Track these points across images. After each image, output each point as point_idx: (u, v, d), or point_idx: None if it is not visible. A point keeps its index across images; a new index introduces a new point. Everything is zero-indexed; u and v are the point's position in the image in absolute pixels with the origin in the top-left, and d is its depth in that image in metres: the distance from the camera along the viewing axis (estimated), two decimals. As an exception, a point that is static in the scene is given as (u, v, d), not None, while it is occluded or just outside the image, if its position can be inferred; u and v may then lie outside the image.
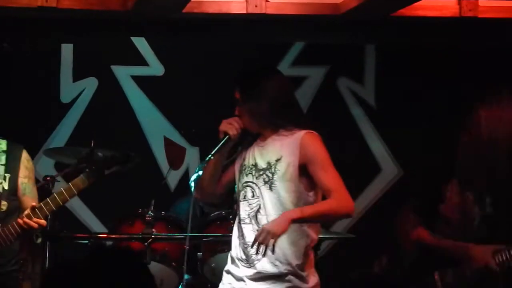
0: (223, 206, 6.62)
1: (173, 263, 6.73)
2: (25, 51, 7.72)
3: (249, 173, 5.27)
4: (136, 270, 2.75)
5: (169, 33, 7.17)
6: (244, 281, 5.22)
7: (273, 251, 4.98)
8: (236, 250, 5.30)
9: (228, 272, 5.33)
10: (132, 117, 8.29)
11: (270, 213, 5.15)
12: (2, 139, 5.50)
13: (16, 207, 5.35)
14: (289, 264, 5.12)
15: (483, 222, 5.52)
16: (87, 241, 7.06)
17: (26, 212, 5.20)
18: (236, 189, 5.39)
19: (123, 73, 8.36)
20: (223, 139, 5.23)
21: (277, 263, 5.12)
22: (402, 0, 6.36)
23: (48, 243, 6.31)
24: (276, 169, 5.19)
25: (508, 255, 5.27)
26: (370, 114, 8.54)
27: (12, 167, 5.44)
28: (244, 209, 5.26)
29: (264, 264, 5.14)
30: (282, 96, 5.27)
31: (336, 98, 8.45)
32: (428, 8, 6.59)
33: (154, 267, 6.53)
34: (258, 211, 5.22)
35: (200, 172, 5.35)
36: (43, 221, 5.21)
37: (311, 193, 5.20)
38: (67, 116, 8.18)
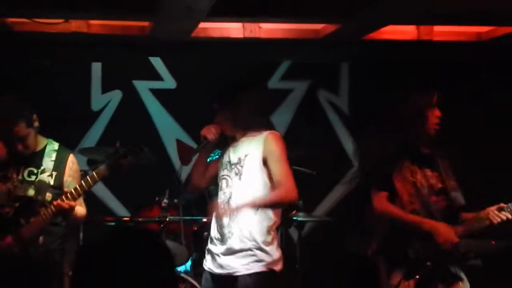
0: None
1: (183, 241, 6.71)
2: (62, 68, 7.69)
3: (225, 168, 5.39)
4: (156, 244, 2.74)
5: (180, 53, 7.17)
6: (219, 256, 5.28)
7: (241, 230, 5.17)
8: (214, 231, 5.39)
9: (209, 250, 5.41)
10: (150, 123, 8.28)
11: (239, 199, 5.21)
12: (56, 142, 5.51)
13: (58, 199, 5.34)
14: (255, 240, 5.18)
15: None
16: (113, 223, 7.07)
17: (61, 197, 5.23)
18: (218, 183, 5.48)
19: (143, 87, 8.34)
20: (203, 142, 5.39)
21: (244, 239, 5.18)
22: (371, 26, 6.35)
23: (81, 225, 6.30)
24: (244, 163, 5.28)
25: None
26: (344, 119, 8.52)
27: (58, 166, 5.44)
28: (220, 197, 5.37)
29: (234, 241, 5.22)
30: (251, 106, 5.33)
31: (317, 106, 8.43)
32: (392, 32, 6.58)
33: (168, 244, 6.51)
34: (230, 198, 5.30)
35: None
36: (73, 203, 5.23)
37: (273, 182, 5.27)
38: (97, 122, 8.16)
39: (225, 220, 5.28)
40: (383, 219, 5.54)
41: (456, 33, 6.75)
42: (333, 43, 6.72)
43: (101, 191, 8.08)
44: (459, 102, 6.57)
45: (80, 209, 5.47)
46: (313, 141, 7.58)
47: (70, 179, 5.45)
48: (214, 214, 5.45)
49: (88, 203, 6.29)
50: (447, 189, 5.50)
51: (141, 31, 6.39)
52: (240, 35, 6.52)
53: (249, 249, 5.20)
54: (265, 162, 5.25)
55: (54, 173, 5.42)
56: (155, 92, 8.34)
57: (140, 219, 6.82)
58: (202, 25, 6.23)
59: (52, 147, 5.48)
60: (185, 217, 6.72)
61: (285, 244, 6.64)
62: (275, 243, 5.32)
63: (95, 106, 8.24)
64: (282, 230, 6.57)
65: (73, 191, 5.25)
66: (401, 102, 5.70)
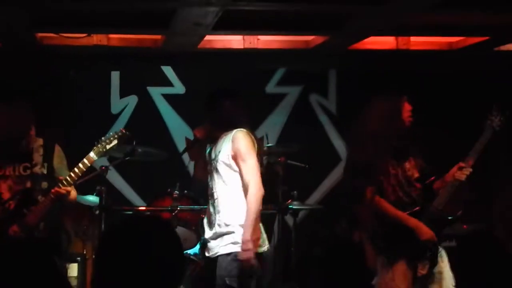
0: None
1: (193, 228, 6.72)
2: (85, 77, 7.72)
3: (209, 164, 5.41)
4: (166, 231, 2.78)
5: (188, 63, 7.19)
6: (209, 241, 5.34)
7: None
8: (206, 219, 5.46)
9: (203, 238, 5.47)
10: (162, 124, 8.28)
11: (216, 189, 5.31)
12: (40, 137, 5.51)
13: (53, 186, 5.36)
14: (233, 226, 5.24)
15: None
16: (130, 212, 7.09)
17: (57, 184, 5.27)
18: None
19: (156, 92, 8.34)
20: (194, 139, 5.60)
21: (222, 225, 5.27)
22: (355, 38, 6.37)
23: (103, 213, 6.32)
24: (218, 158, 5.30)
25: None
26: (333, 120, 8.52)
27: (47, 157, 5.46)
28: (208, 191, 5.41)
29: (217, 227, 5.28)
30: (225, 109, 5.38)
31: (308, 108, 8.43)
32: (373, 43, 6.60)
33: (179, 230, 6.53)
34: (212, 190, 5.36)
35: None
36: (69, 188, 5.25)
37: None
38: (116, 123, 8.16)
39: (211, 209, 5.35)
40: (375, 212, 5.57)
41: (430, 43, 6.77)
42: (322, 53, 6.74)
43: (120, 183, 8.10)
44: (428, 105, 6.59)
45: (72, 192, 5.42)
46: (305, 139, 7.60)
47: (60, 165, 5.48)
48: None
49: (108, 194, 6.35)
50: (420, 174, 5.58)
51: (154, 43, 6.42)
52: (241, 46, 6.54)
53: (230, 232, 5.24)
54: (234, 159, 5.26)
55: (46, 164, 5.44)
56: (167, 97, 8.35)
57: (154, 208, 6.84)
58: (207, 38, 6.25)
59: (38, 143, 5.48)
60: (193, 206, 6.74)
61: (281, 230, 6.66)
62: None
63: (114, 109, 8.25)
64: (279, 217, 6.59)
65: (68, 178, 5.27)
66: (377, 104, 5.76)
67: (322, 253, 7.90)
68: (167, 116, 8.34)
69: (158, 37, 6.33)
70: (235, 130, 5.29)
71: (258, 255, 5.21)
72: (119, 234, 2.74)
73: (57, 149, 5.55)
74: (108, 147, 5.46)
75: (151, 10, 5.69)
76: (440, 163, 5.57)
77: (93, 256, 5.91)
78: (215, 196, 5.34)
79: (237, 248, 5.15)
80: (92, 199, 6.62)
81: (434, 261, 5.44)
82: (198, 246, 6.86)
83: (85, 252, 7.13)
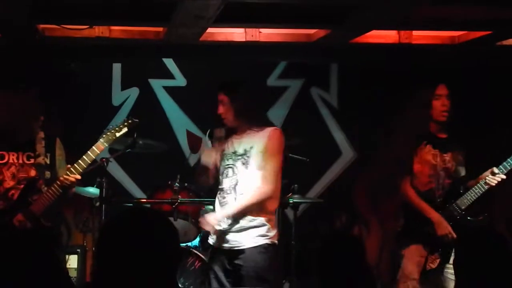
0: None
1: (193, 220, 6.72)
2: (87, 68, 7.70)
3: (230, 158, 5.41)
4: (164, 222, 2.80)
5: (190, 55, 7.17)
6: (227, 234, 5.40)
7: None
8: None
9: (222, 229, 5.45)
10: (163, 116, 8.29)
11: (245, 185, 5.26)
12: (41, 130, 5.51)
13: (55, 176, 5.38)
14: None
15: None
16: (131, 204, 7.08)
17: (65, 172, 5.29)
18: (219, 171, 5.49)
19: (157, 84, 8.34)
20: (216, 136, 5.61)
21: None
22: (357, 32, 6.35)
23: (103, 205, 6.31)
24: (250, 154, 5.31)
25: None
26: (333, 113, 8.52)
27: (49, 149, 5.47)
28: (226, 184, 5.37)
29: (242, 221, 5.35)
30: (255, 103, 5.44)
31: (310, 101, 8.43)
32: (375, 36, 6.58)
33: (179, 222, 6.54)
34: (236, 184, 5.35)
35: None
36: (78, 176, 5.29)
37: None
38: (117, 115, 8.16)
39: (232, 202, 5.34)
40: (404, 201, 5.66)
41: (432, 37, 6.74)
42: (324, 46, 6.71)
43: (121, 175, 8.09)
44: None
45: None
46: (306, 132, 7.59)
47: (61, 158, 5.52)
48: (218, 199, 5.49)
49: (108, 186, 6.34)
50: (457, 168, 5.63)
51: (156, 35, 6.40)
52: (242, 39, 6.52)
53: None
54: (263, 154, 5.31)
55: (48, 155, 5.45)
56: (168, 89, 8.35)
57: (154, 200, 6.83)
58: (209, 30, 6.22)
59: (40, 136, 5.49)
60: (194, 199, 6.73)
61: (281, 223, 6.65)
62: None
63: (116, 101, 8.25)
64: (279, 210, 6.59)
65: (76, 166, 5.29)
66: (409, 99, 5.81)
67: (321, 246, 7.90)
68: (168, 108, 8.33)
69: (160, 29, 6.31)
70: (271, 128, 5.37)
71: (276, 247, 5.41)
72: (117, 226, 2.77)
73: (58, 142, 5.56)
74: (118, 134, 5.48)
75: (153, 2, 5.67)
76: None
77: (93, 248, 5.90)
78: (239, 191, 5.36)
79: (264, 240, 5.33)
80: (93, 191, 6.62)
81: (445, 258, 5.46)
82: (198, 239, 6.86)
83: (85, 244, 7.13)
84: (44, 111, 5.47)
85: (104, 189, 6.06)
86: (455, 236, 5.42)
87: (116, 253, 2.69)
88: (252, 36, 6.46)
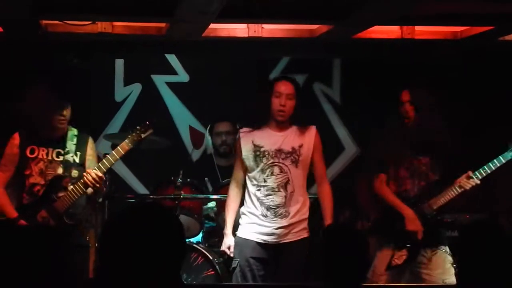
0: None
1: (195, 216, 6.72)
2: (90, 64, 7.70)
3: (274, 156, 5.46)
4: (167, 218, 2.78)
5: (192, 51, 7.16)
6: (274, 233, 5.49)
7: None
8: (259, 210, 5.54)
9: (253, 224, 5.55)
10: (166, 112, 8.29)
11: (296, 184, 5.31)
12: (75, 127, 5.55)
13: (82, 175, 5.38)
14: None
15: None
16: (134, 200, 7.08)
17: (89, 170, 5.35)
18: (253, 168, 5.51)
19: (160, 80, 8.35)
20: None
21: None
22: (359, 27, 6.34)
23: (107, 201, 6.32)
24: (300, 152, 5.43)
25: None
26: (336, 108, 8.53)
27: (80, 147, 5.48)
28: (273, 182, 5.39)
29: (291, 218, 5.49)
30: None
31: (312, 97, 8.43)
32: (378, 32, 6.57)
33: (182, 218, 6.53)
34: (287, 183, 5.41)
35: None
36: (100, 174, 5.32)
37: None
38: (120, 111, 8.18)
39: (281, 201, 5.45)
40: (377, 197, 5.67)
41: (434, 33, 6.73)
42: (326, 42, 6.70)
43: (123, 171, 8.09)
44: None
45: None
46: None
47: (91, 158, 5.53)
48: (258, 197, 5.52)
49: (112, 182, 6.34)
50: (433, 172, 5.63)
51: (159, 31, 6.39)
52: (245, 35, 6.50)
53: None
54: (312, 153, 5.51)
55: (78, 153, 5.48)
56: (171, 85, 8.35)
57: (157, 196, 6.83)
58: (212, 26, 6.21)
59: (73, 133, 5.54)
60: (197, 195, 6.73)
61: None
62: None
63: (118, 97, 8.25)
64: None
65: (101, 165, 5.30)
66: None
67: (323, 241, 7.90)
68: (171, 104, 8.34)
69: (163, 25, 6.30)
70: (313, 126, 5.60)
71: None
72: (120, 223, 2.75)
73: (90, 141, 5.60)
74: (143, 135, 5.48)
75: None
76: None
77: (96, 244, 5.90)
78: (290, 189, 5.46)
79: (307, 234, 5.54)
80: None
81: (411, 256, 5.49)
82: (201, 235, 6.85)
83: (88, 240, 7.12)
84: (66, 105, 5.48)
85: (107, 185, 6.06)
86: (420, 236, 5.46)
87: (118, 249, 2.68)
88: (255, 31, 6.45)
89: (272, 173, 5.46)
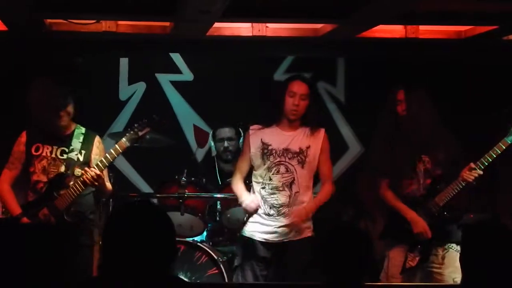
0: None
1: (199, 214, 6.72)
2: (94, 63, 7.70)
3: (281, 155, 5.48)
4: (161, 216, 2.93)
5: (196, 50, 7.15)
6: (276, 231, 5.51)
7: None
8: (264, 209, 5.55)
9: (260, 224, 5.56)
10: (170, 110, 8.29)
11: (301, 184, 5.30)
12: (83, 127, 5.55)
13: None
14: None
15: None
16: (137, 199, 7.08)
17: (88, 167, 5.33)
18: (260, 165, 5.54)
19: (164, 79, 8.35)
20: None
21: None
22: (364, 26, 6.33)
23: (110, 200, 6.32)
24: (307, 154, 5.45)
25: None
26: (340, 107, 8.53)
27: (86, 145, 5.48)
28: (278, 180, 5.44)
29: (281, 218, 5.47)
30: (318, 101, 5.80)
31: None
32: (382, 31, 6.56)
33: (186, 217, 6.54)
34: (292, 182, 5.44)
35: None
36: (97, 171, 5.29)
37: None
38: (124, 110, 8.19)
39: (285, 200, 5.46)
40: (382, 201, 5.74)
41: (438, 32, 6.72)
42: (331, 41, 6.69)
43: (127, 169, 8.10)
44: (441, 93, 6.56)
45: (108, 184, 5.51)
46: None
47: (97, 157, 5.51)
48: (262, 195, 5.54)
49: (115, 181, 6.34)
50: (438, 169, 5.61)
51: (163, 30, 6.39)
52: (249, 34, 6.50)
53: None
54: (319, 155, 5.51)
55: (83, 152, 5.47)
56: (175, 84, 8.35)
57: (161, 195, 6.83)
58: (216, 25, 6.21)
59: (80, 131, 5.53)
60: (201, 194, 6.73)
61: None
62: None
63: (123, 96, 8.26)
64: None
65: (99, 163, 5.30)
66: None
67: (327, 238, 7.89)
68: (175, 103, 8.34)
69: (167, 24, 6.30)
70: (323, 130, 5.59)
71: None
72: (120, 221, 2.84)
73: (97, 140, 5.58)
74: (140, 133, 5.47)
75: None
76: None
77: (100, 242, 5.90)
78: (295, 189, 5.48)
79: (311, 233, 5.55)
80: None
81: (424, 256, 5.47)
82: (205, 233, 6.85)
83: (91, 239, 7.12)
84: (72, 102, 5.48)
85: (111, 184, 6.06)
86: (429, 235, 5.45)
87: (120, 245, 2.80)
88: (259, 30, 6.45)
89: (278, 172, 5.47)
